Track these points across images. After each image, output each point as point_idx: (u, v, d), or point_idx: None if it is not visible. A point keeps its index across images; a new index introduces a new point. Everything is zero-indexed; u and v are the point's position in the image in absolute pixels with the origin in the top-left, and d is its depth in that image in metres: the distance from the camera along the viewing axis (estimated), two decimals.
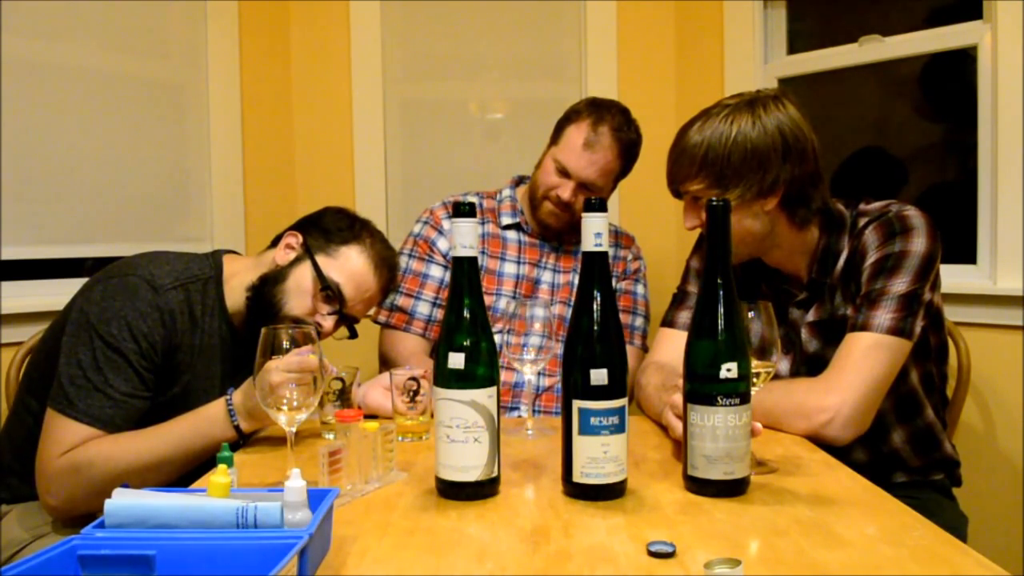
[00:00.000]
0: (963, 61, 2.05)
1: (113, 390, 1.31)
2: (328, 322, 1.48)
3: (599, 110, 1.80)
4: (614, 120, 1.78)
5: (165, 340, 1.37)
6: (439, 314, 1.87)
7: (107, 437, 1.30)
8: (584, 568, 0.84)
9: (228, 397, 1.31)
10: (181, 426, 1.32)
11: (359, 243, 1.52)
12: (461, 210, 1.04)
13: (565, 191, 1.78)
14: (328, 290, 1.47)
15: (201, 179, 2.40)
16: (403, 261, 1.91)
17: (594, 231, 1.04)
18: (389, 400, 1.41)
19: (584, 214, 1.04)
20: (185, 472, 1.34)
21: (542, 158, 1.86)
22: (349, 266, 1.49)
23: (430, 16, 2.66)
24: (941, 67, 2.14)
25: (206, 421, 1.31)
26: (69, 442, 1.29)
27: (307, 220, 1.56)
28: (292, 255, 1.50)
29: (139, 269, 1.39)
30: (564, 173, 1.78)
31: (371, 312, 1.74)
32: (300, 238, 1.51)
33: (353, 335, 1.56)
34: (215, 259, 1.52)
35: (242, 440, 1.34)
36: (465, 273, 1.06)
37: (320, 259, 1.48)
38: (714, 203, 1.07)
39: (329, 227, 1.52)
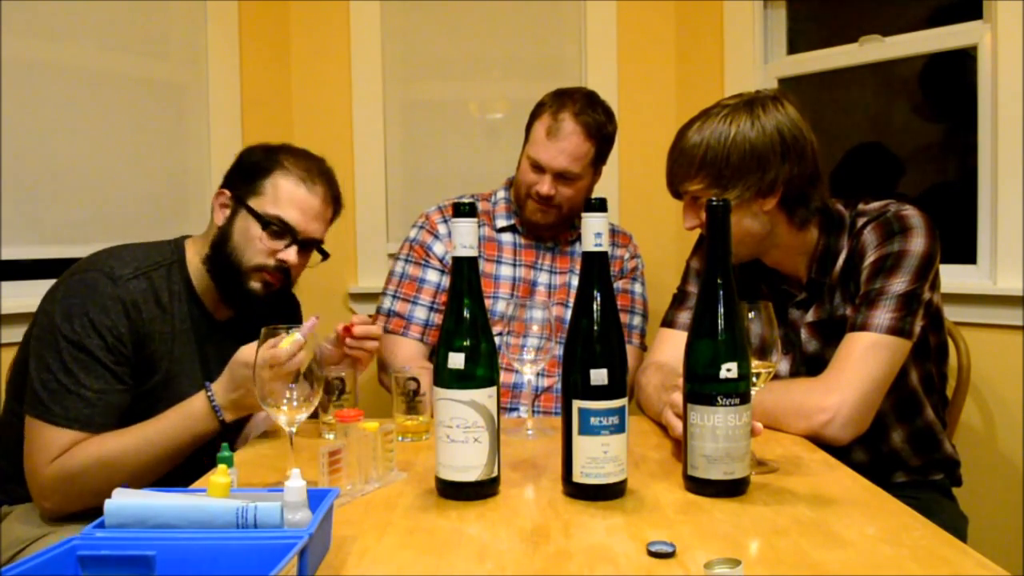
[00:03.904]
0: (963, 61, 2.05)
1: (86, 389, 1.31)
2: (291, 255, 1.46)
3: (561, 99, 1.80)
4: (575, 105, 1.77)
5: (132, 331, 1.36)
6: (436, 319, 1.87)
7: (93, 440, 1.31)
8: (584, 568, 0.84)
9: (209, 392, 1.32)
10: (165, 424, 1.33)
11: (280, 169, 1.47)
12: (461, 210, 1.04)
13: (543, 185, 1.78)
14: (272, 226, 1.44)
15: (201, 179, 2.39)
16: (399, 266, 1.92)
17: (594, 231, 1.04)
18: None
19: (584, 214, 1.04)
20: (175, 466, 1.35)
21: (520, 159, 1.87)
22: (281, 194, 1.46)
23: (430, 16, 2.66)
24: (941, 67, 2.14)
25: (190, 418, 1.32)
26: (56, 448, 1.30)
27: (228, 173, 1.53)
28: (227, 211, 1.48)
29: (97, 264, 1.39)
30: (538, 168, 1.79)
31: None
32: (227, 192, 1.49)
33: (325, 256, 1.54)
34: (177, 244, 1.52)
35: (225, 432, 1.34)
36: (465, 273, 1.06)
37: (252, 202, 1.46)
38: (714, 203, 1.07)
39: (247, 168, 1.49)
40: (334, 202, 1.54)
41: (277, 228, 1.45)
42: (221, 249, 1.46)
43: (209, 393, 1.32)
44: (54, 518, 1.37)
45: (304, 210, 1.47)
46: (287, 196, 1.46)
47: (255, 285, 1.46)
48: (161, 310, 1.42)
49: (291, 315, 1.72)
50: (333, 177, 1.55)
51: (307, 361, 1.10)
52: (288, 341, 1.12)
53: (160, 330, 1.42)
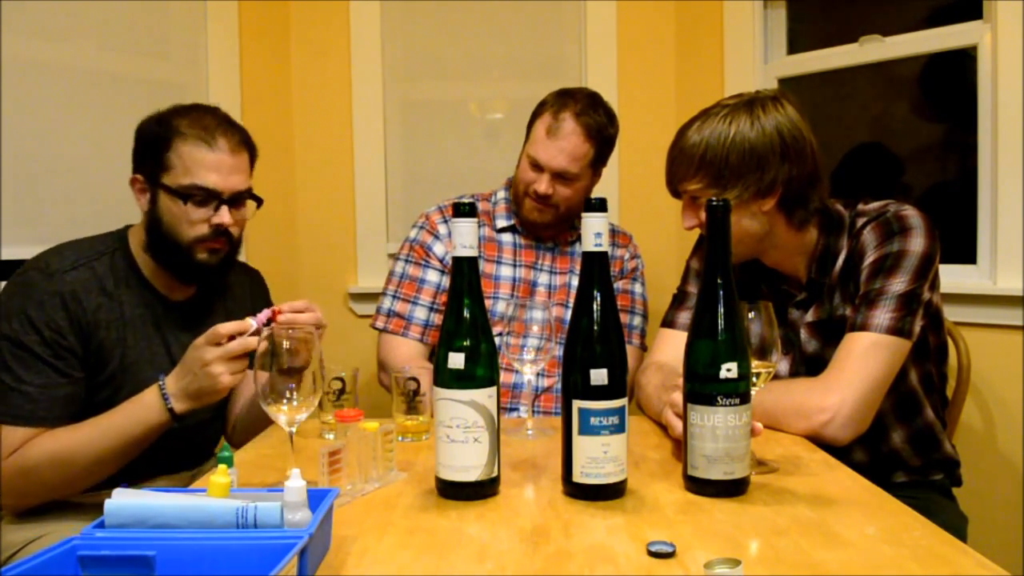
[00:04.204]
0: (963, 61, 2.05)
1: (27, 385, 1.32)
2: (224, 216, 1.42)
3: (562, 98, 1.80)
4: (576, 105, 1.78)
5: (73, 322, 1.36)
6: (436, 319, 1.87)
7: (47, 435, 1.32)
8: (584, 568, 0.84)
9: (161, 382, 1.31)
10: (118, 416, 1.33)
11: (177, 136, 1.41)
12: (461, 210, 1.04)
13: (541, 184, 1.79)
14: (192, 197, 1.40)
15: None
16: (399, 266, 1.92)
17: (594, 231, 1.04)
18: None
19: (584, 214, 1.04)
20: (133, 458, 1.35)
21: (520, 157, 1.87)
22: (188, 162, 1.40)
23: (430, 16, 2.66)
24: (941, 67, 2.14)
25: (142, 408, 1.32)
26: (7, 445, 1.30)
27: (133, 156, 1.48)
28: (147, 195, 1.45)
29: (36, 262, 1.40)
30: (537, 167, 1.79)
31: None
32: (139, 177, 1.47)
33: (259, 203, 1.51)
34: (120, 233, 1.51)
35: (176, 422, 1.33)
36: (465, 273, 1.06)
37: (165, 179, 1.41)
38: (714, 203, 1.07)
39: (146, 145, 1.45)
40: (244, 146, 1.47)
41: (199, 197, 1.41)
42: (156, 233, 1.44)
43: (161, 382, 1.31)
44: (16, 514, 1.39)
45: (217, 169, 1.41)
46: (194, 162, 1.40)
47: (202, 256, 1.44)
48: (107, 298, 1.42)
49: (256, 292, 1.71)
50: (234, 122, 1.48)
51: (261, 352, 1.07)
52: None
53: (108, 318, 1.41)
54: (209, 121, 1.43)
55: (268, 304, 1.67)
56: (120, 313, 1.43)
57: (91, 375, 1.39)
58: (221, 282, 1.56)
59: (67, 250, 1.43)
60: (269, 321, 1.27)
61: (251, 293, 1.69)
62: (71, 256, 1.42)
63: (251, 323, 1.24)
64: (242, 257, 2.39)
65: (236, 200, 1.45)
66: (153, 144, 1.43)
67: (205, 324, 1.29)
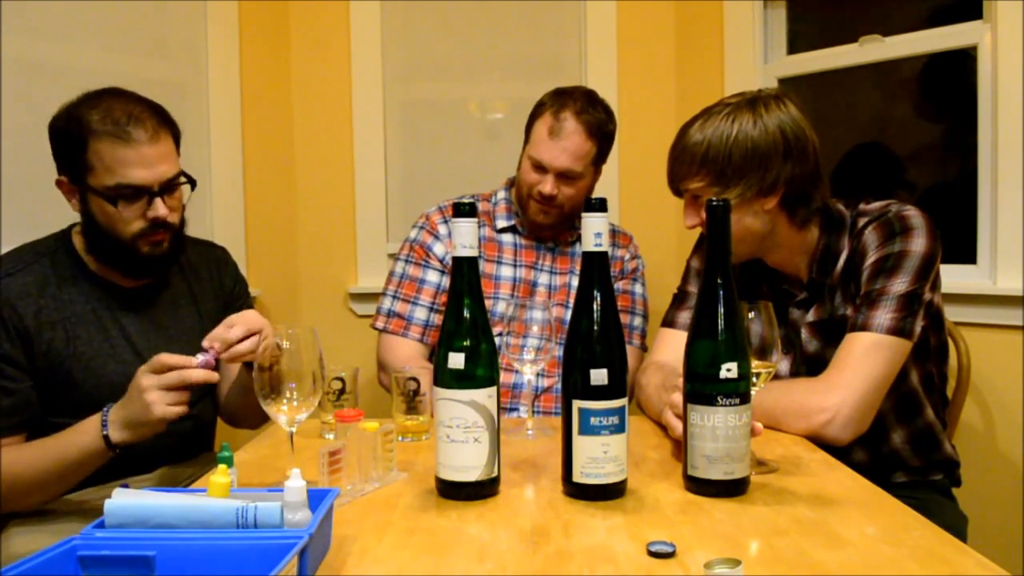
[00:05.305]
0: (963, 61, 2.05)
1: None
2: (159, 209, 1.36)
3: (561, 98, 1.80)
4: (576, 104, 1.77)
5: (9, 329, 1.34)
6: (436, 319, 1.87)
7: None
8: (584, 568, 0.84)
9: (107, 409, 1.26)
10: (59, 436, 1.29)
11: (91, 135, 1.32)
12: (461, 210, 1.04)
13: (546, 185, 1.78)
14: (121, 197, 1.34)
15: (201, 179, 2.37)
16: (399, 266, 1.92)
17: (594, 231, 1.04)
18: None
19: (584, 214, 1.04)
20: (75, 484, 1.31)
21: (520, 159, 1.86)
22: (108, 161, 1.32)
23: (430, 16, 2.66)
24: (941, 67, 2.14)
25: (79, 432, 1.27)
26: None
27: (54, 158, 1.41)
28: (76, 196, 1.40)
29: None
30: (540, 168, 1.79)
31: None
32: (64, 178, 1.40)
33: (193, 184, 1.44)
34: (63, 232, 1.48)
35: (113, 451, 1.26)
36: (465, 273, 1.06)
37: (89, 180, 1.34)
38: (714, 203, 1.07)
39: (62, 145, 1.38)
40: (164, 129, 1.39)
41: (128, 194, 1.34)
42: (95, 234, 1.40)
43: (106, 409, 1.25)
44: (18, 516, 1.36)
45: (140, 163, 1.33)
46: (115, 161, 1.32)
47: (146, 250, 1.40)
48: (49, 299, 1.38)
49: (224, 271, 1.67)
50: (147, 104, 1.39)
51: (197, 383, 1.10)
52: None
53: (52, 319, 1.37)
54: (119, 113, 1.34)
55: (239, 281, 1.67)
56: (67, 312, 1.39)
57: (45, 379, 1.36)
58: (169, 269, 1.50)
59: (5, 258, 1.41)
60: (218, 361, 1.23)
61: (219, 272, 1.65)
62: (8, 263, 1.39)
63: (197, 359, 1.20)
64: (242, 256, 2.40)
65: (168, 189, 1.39)
66: (68, 144, 1.36)
67: (168, 306, 1.25)
